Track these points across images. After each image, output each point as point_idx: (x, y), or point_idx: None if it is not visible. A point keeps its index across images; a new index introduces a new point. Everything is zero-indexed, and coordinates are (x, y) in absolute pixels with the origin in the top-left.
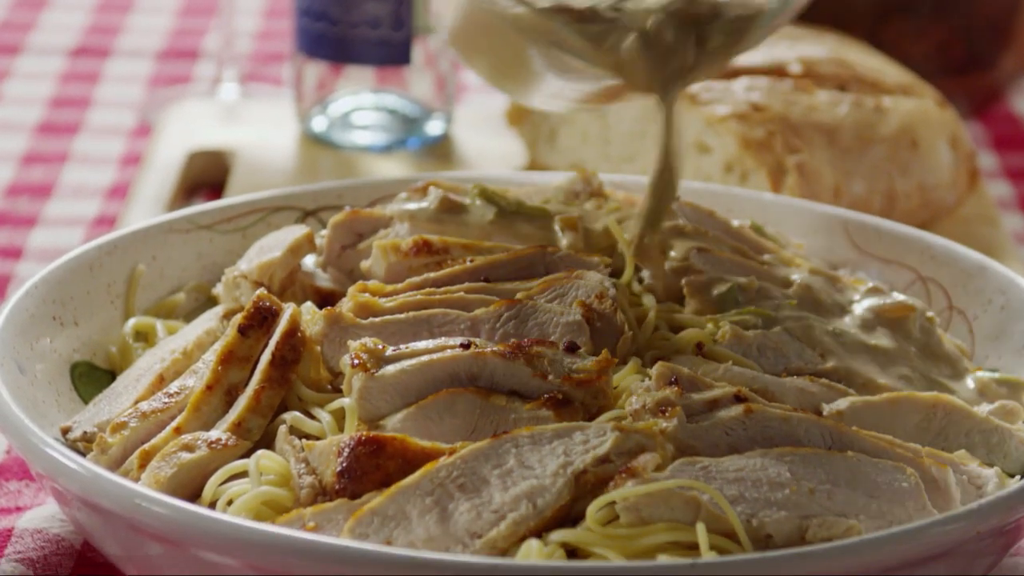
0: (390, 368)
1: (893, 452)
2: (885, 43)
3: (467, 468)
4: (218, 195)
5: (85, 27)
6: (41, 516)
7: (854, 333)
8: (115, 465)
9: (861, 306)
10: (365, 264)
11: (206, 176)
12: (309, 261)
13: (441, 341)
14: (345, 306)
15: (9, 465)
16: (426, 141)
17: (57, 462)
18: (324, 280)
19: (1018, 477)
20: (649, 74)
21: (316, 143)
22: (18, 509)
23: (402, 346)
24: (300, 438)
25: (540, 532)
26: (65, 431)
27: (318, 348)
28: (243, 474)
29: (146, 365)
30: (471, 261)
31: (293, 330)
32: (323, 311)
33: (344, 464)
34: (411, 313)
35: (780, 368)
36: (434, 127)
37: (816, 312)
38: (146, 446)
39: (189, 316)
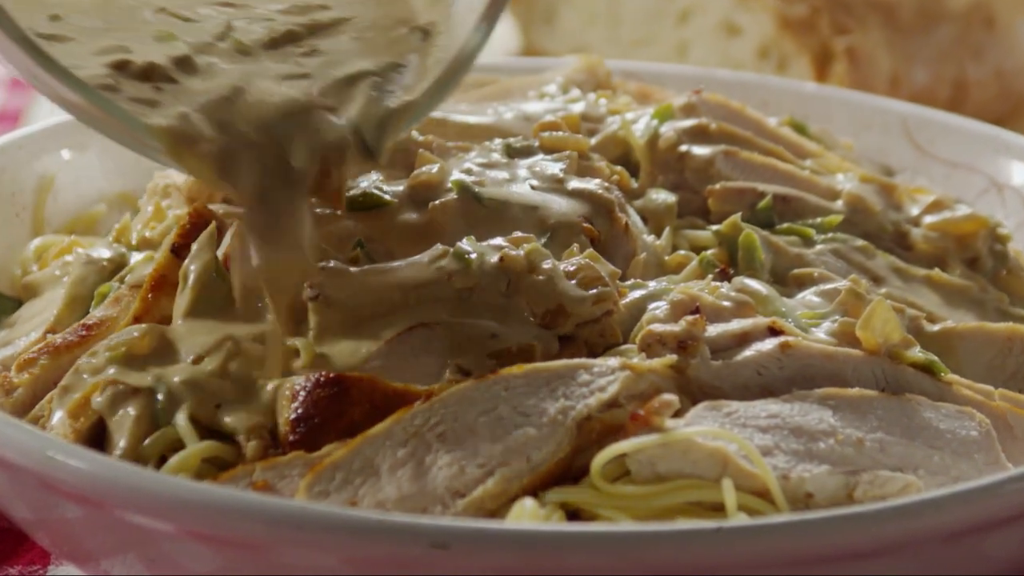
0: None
1: (960, 395)
2: None
3: (448, 414)
4: None
5: None
6: None
7: (912, 259)
8: (23, 410)
9: (922, 221)
10: None
11: None
12: None
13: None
14: None
15: None
16: None
17: None
18: None
19: None
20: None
21: None
22: None
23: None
24: None
25: (535, 490)
26: None
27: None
28: None
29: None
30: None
31: None
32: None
33: (300, 410)
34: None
35: None
36: None
37: (868, 228)
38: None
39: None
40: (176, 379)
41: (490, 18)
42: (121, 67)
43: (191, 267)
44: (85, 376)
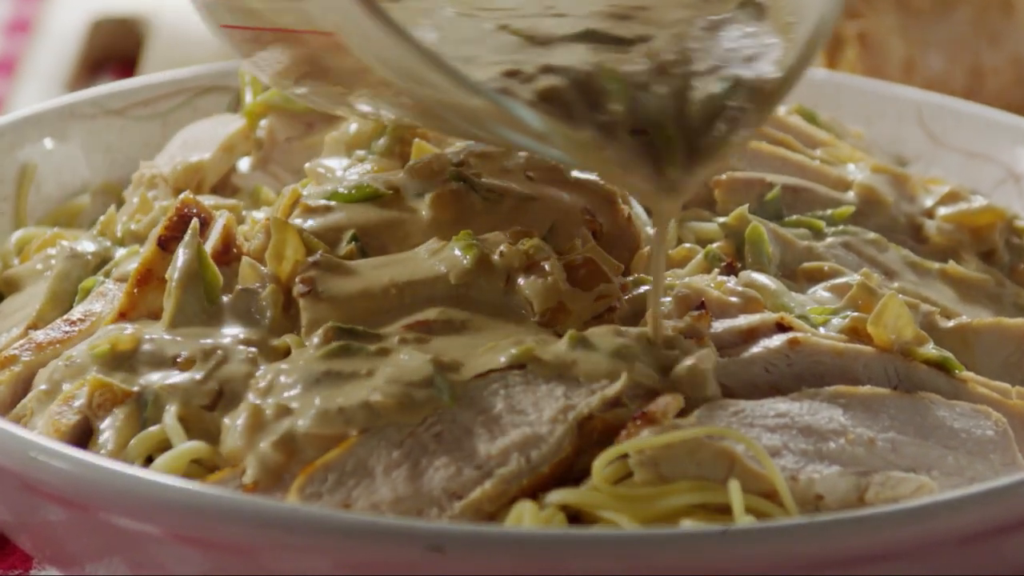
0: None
1: (975, 393)
2: None
3: (444, 414)
4: (130, 72)
5: None
6: None
7: (926, 252)
8: (4, 409)
9: (936, 213)
10: (313, 164)
11: (114, 48)
12: (245, 163)
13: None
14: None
15: None
16: None
17: None
18: (264, 183)
19: None
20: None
21: None
22: None
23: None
24: None
25: (535, 492)
26: None
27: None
28: None
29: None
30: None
31: (227, 245)
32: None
33: None
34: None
35: None
36: None
37: (880, 220)
38: (44, 385)
39: (95, 224)
40: (162, 385)
41: None
42: (512, 75)
43: (175, 265)
44: (67, 375)
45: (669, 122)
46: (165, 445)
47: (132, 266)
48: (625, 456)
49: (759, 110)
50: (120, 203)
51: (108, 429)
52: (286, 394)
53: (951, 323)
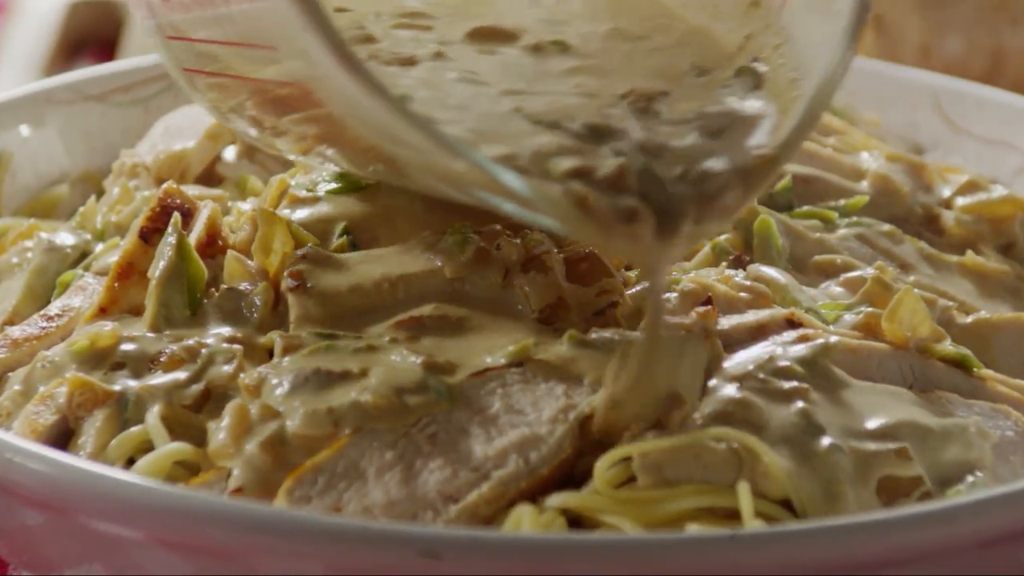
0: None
1: (995, 391)
2: None
3: (440, 414)
4: (109, 56)
5: None
6: None
7: (943, 245)
8: None
9: (954, 203)
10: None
11: (94, 31)
12: (231, 152)
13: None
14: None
15: None
16: None
17: None
18: (251, 172)
19: None
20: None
21: None
22: None
23: None
24: None
25: (534, 495)
26: None
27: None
28: None
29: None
30: None
31: (212, 237)
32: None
33: None
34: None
35: None
36: None
37: (895, 210)
38: (19, 385)
39: (74, 215)
40: (144, 385)
41: (854, 33)
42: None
43: (157, 262)
44: (44, 376)
45: (654, 187)
46: (147, 447)
47: (112, 259)
48: (628, 459)
49: (751, 186)
50: (100, 193)
51: (87, 427)
52: (274, 394)
53: (969, 319)
